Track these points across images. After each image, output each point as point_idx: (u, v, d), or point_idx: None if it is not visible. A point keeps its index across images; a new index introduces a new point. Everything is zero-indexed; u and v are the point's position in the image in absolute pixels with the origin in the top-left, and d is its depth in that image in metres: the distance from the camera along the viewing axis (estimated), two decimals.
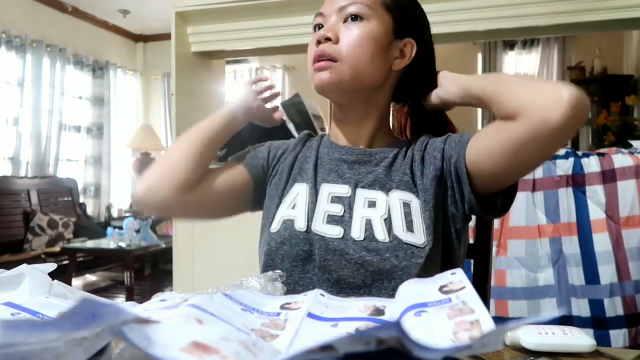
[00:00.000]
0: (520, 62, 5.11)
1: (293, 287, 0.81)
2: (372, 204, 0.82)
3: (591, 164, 1.90)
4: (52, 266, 0.69)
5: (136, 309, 0.50)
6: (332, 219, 0.82)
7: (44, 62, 4.79)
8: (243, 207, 0.97)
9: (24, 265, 0.65)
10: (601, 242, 1.86)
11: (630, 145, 2.14)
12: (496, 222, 1.91)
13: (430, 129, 0.94)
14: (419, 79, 0.91)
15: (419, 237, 0.78)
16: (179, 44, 2.56)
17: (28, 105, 4.64)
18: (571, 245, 1.88)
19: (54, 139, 4.93)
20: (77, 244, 4.09)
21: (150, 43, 6.15)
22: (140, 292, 3.92)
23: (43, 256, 3.89)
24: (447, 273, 0.50)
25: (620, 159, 1.89)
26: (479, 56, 5.20)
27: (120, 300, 3.73)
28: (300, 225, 0.82)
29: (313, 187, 0.86)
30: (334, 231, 0.81)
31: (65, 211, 4.67)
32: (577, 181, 1.90)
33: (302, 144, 0.96)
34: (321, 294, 0.56)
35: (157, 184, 0.88)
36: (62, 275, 3.59)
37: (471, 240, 1.03)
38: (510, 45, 5.10)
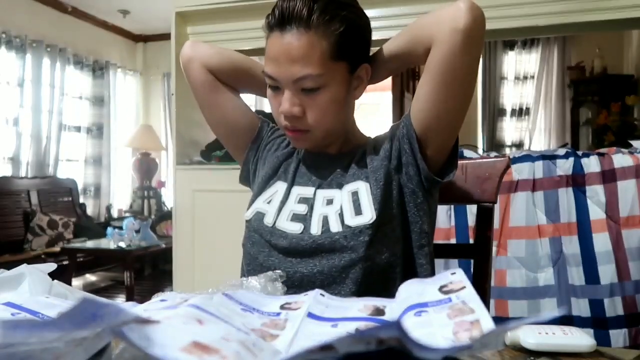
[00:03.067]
0: (520, 62, 5.12)
1: (259, 267, 0.90)
2: (329, 202, 0.90)
3: (591, 164, 1.90)
4: (52, 266, 0.69)
5: (136, 309, 0.51)
6: (295, 217, 0.90)
7: (44, 62, 4.78)
8: (239, 141, 1.06)
9: (24, 265, 0.65)
10: (601, 242, 1.86)
11: (630, 145, 2.14)
12: (496, 222, 1.91)
13: None
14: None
15: (366, 215, 0.85)
16: (179, 44, 2.56)
17: (28, 105, 4.64)
18: (571, 245, 1.88)
19: (54, 139, 4.92)
20: (77, 244, 4.09)
21: (150, 43, 6.15)
22: (140, 292, 3.92)
23: (43, 256, 3.88)
24: (447, 273, 0.50)
25: (620, 159, 1.89)
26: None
27: (120, 300, 3.73)
28: (269, 220, 0.92)
29: (289, 188, 0.95)
30: (295, 227, 0.89)
31: (65, 211, 4.67)
32: (577, 181, 1.90)
33: (294, 147, 1.02)
34: (321, 294, 0.56)
35: (203, 47, 1.03)
36: (62, 275, 3.59)
37: (471, 240, 1.03)
38: (510, 45, 5.11)
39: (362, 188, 0.88)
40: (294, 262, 0.87)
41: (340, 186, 0.91)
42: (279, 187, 0.96)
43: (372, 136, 1.00)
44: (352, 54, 0.87)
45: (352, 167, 0.92)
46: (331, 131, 0.91)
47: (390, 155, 0.90)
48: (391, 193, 0.88)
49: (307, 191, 0.93)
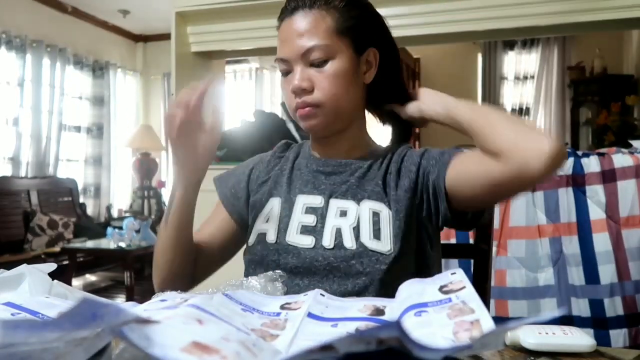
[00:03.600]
0: (520, 62, 5.12)
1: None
2: (343, 214, 0.86)
3: (591, 164, 1.90)
4: (52, 266, 0.69)
5: (136, 309, 0.50)
6: (305, 229, 0.87)
7: (44, 62, 4.78)
8: (243, 241, 0.99)
9: (24, 265, 0.65)
10: (601, 242, 1.85)
11: (630, 145, 2.14)
12: (496, 222, 1.91)
13: (396, 134, 0.98)
14: (387, 80, 0.93)
15: (385, 244, 0.83)
16: (179, 44, 2.56)
17: (28, 105, 4.64)
18: (571, 245, 1.88)
19: (54, 139, 4.92)
20: (77, 244, 4.09)
21: (150, 43, 6.14)
22: (140, 292, 3.91)
23: (43, 256, 3.88)
24: (447, 273, 0.50)
25: (620, 159, 1.89)
26: (479, 56, 5.20)
27: (120, 300, 3.73)
28: (271, 238, 0.88)
29: (287, 199, 0.91)
30: (306, 241, 0.86)
31: (65, 211, 4.66)
32: (577, 181, 1.90)
33: (278, 157, 0.99)
34: (321, 294, 0.56)
35: (170, 280, 0.92)
36: (62, 275, 3.59)
37: (471, 240, 1.03)
38: (510, 45, 5.11)
39: (385, 214, 0.85)
40: (301, 285, 0.83)
41: (356, 198, 0.87)
42: (272, 203, 0.92)
43: (388, 145, 0.95)
44: (357, 31, 0.87)
45: (371, 181, 0.88)
46: (341, 110, 0.87)
47: (415, 188, 0.87)
48: (411, 228, 0.86)
49: (315, 200, 0.89)
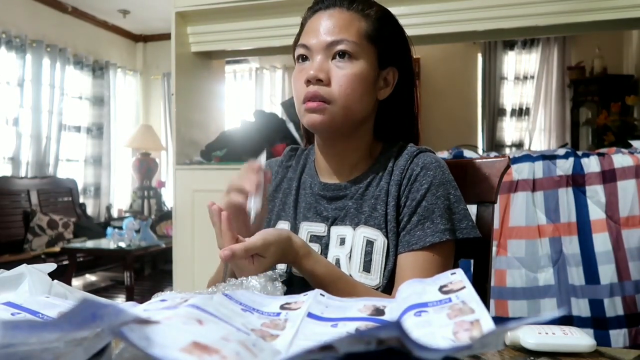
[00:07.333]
0: (520, 62, 5.12)
1: None
2: (342, 242, 0.85)
3: (591, 164, 1.90)
4: (52, 266, 0.69)
5: (136, 309, 0.50)
6: None
7: (44, 62, 4.78)
8: None
9: (24, 265, 0.65)
10: (601, 242, 1.86)
11: (630, 145, 2.14)
12: (496, 222, 1.91)
13: (395, 129, 0.94)
14: (399, 104, 0.92)
15: (374, 278, 0.82)
16: (179, 44, 2.57)
17: (28, 105, 4.64)
18: (571, 245, 1.88)
19: (54, 139, 4.92)
20: (77, 244, 4.09)
21: (150, 43, 6.15)
22: (140, 292, 3.92)
23: (43, 256, 3.89)
24: (447, 273, 0.50)
25: (620, 159, 1.89)
26: (479, 56, 5.20)
27: (120, 300, 3.73)
28: (281, 266, 0.86)
29: (293, 226, 0.90)
30: None
31: (65, 211, 4.67)
32: (577, 181, 1.90)
33: (286, 167, 0.98)
34: (321, 294, 0.56)
35: None
36: (62, 275, 3.59)
37: None
38: (510, 45, 5.11)
39: (379, 243, 0.83)
40: None
41: (353, 223, 0.86)
42: (281, 227, 0.91)
43: (394, 149, 0.90)
44: (385, 44, 0.87)
45: (370, 200, 0.86)
46: (350, 114, 0.84)
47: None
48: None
49: (318, 228, 0.88)
